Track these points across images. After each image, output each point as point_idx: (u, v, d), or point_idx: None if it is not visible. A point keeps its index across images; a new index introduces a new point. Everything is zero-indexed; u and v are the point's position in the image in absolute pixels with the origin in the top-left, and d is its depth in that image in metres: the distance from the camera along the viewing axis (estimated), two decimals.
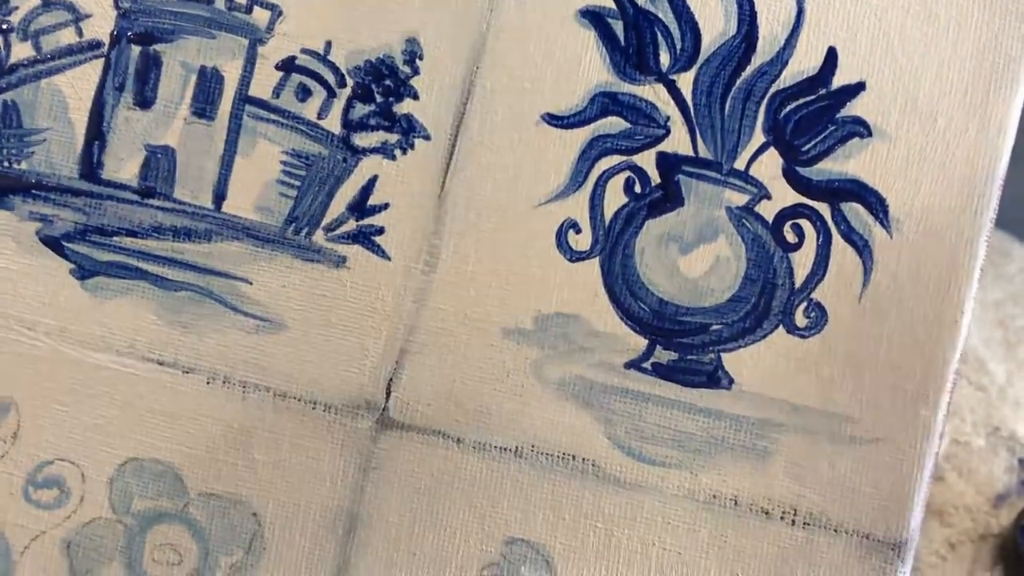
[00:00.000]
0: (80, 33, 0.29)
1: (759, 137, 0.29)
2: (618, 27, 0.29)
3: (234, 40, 0.29)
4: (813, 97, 0.29)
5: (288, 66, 0.29)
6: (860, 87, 0.29)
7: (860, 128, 0.29)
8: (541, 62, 0.29)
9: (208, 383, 0.29)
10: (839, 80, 0.29)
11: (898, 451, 0.29)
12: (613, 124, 0.29)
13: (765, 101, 0.29)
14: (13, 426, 0.29)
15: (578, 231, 0.29)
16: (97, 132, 0.29)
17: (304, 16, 0.29)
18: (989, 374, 0.43)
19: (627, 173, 0.29)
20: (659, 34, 0.29)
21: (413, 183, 0.29)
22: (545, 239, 0.29)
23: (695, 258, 0.29)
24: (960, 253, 0.29)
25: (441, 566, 0.29)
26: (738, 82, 0.29)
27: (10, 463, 0.29)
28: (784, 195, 0.29)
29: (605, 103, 0.29)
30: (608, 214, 0.29)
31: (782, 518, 0.29)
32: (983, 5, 0.29)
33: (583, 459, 0.29)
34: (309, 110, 0.29)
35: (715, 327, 0.29)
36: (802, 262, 0.29)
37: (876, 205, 0.29)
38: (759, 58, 0.29)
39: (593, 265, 0.29)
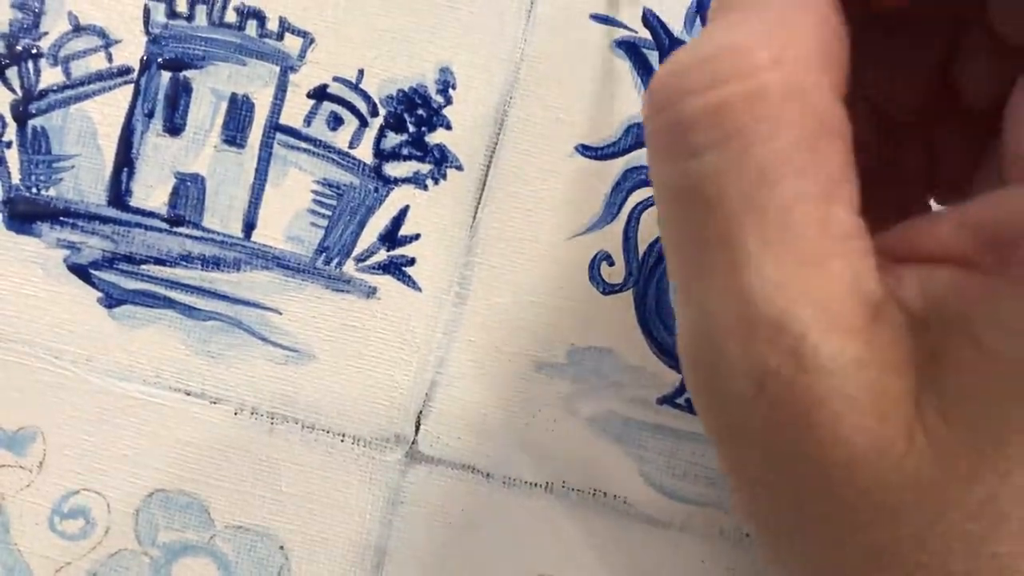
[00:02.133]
0: (110, 59, 0.29)
1: None
2: (653, 58, 0.29)
3: (265, 67, 0.29)
4: None
5: (320, 94, 0.29)
6: None
7: None
8: (575, 93, 0.29)
9: (236, 414, 0.29)
10: None
11: None
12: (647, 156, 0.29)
13: None
14: (39, 455, 0.29)
15: (611, 264, 0.29)
16: (126, 159, 0.29)
17: (336, 44, 0.29)
18: None
19: None
20: None
21: (445, 213, 0.29)
22: (578, 271, 0.29)
23: None
24: None
25: None
26: None
27: (35, 492, 0.29)
28: None
29: (639, 134, 0.29)
30: (642, 247, 0.29)
31: None
32: None
33: (615, 496, 0.29)
34: (341, 139, 0.29)
35: None
36: None
37: None
38: None
39: (627, 298, 0.29)
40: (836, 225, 0.17)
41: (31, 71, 0.29)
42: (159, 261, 0.29)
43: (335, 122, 0.29)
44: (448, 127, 0.29)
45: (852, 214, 0.17)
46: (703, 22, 0.29)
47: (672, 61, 0.18)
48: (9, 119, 0.29)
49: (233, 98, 0.29)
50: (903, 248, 0.18)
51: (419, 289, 0.29)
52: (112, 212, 0.29)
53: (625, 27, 0.29)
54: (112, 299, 0.29)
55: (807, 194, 0.17)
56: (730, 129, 0.17)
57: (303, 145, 0.29)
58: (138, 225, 0.29)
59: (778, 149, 0.17)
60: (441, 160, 0.29)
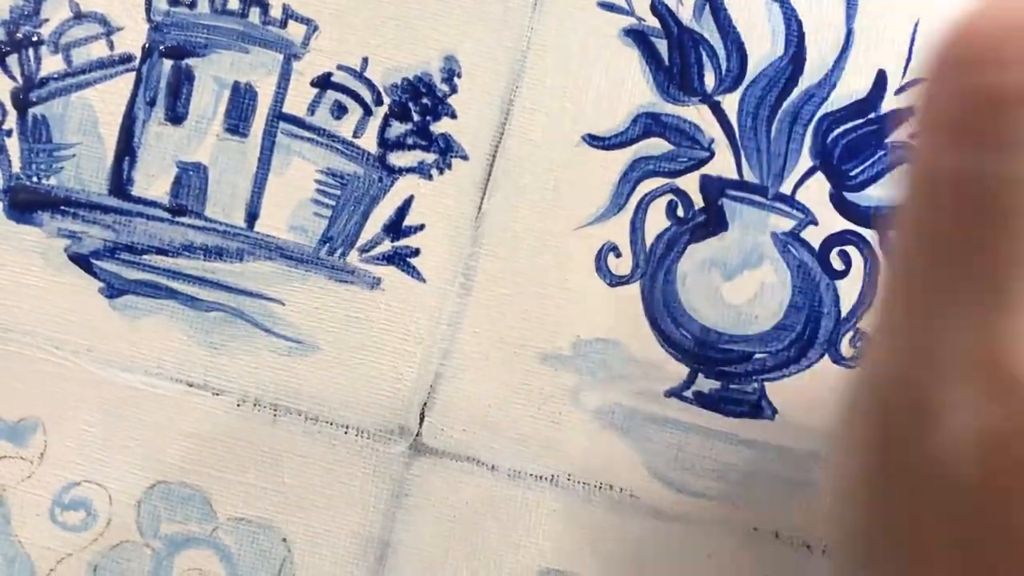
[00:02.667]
0: (111, 46, 0.29)
1: (806, 161, 0.28)
2: (662, 47, 0.28)
3: (268, 55, 0.29)
4: (862, 121, 0.28)
5: (324, 83, 0.29)
6: (910, 112, 0.28)
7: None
8: (582, 82, 0.28)
9: (238, 405, 0.29)
10: (888, 104, 0.28)
11: None
12: (656, 146, 0.28)
13: (812, 124, 0.28)
14: (40, 446, 0.29)
15: (618, 255, 0.29)
16: (127, 148, 0.29)
17: (340, 32, 0.29)
18: None
19: (669, 196, 0.28)
20: (704, 54, 0.28)
21: (450, 204, 0.29)
22: (584, 263, 0.29)
23: (739, 284, 0.28)
24: None
25: None
26: (785, 104, 0.28)
27: (36, 484, 0.29)
28: (831, 221, 0.28)
29: (648, 124, 0.28)
30: (649, 238, 0.29)
31: (824, 552, 0.28)
32: None
33: (620, 489, 0.29)
34: (344, 128, 0.29)
35: (759, 356, 0.28)
36: (848, 290, 0.28)
37: None
38: (806, 80, 0.28)
39: (634, 290, 0.29)
40: None
41: (32, 59, 0.29)
42: (161, 251, 0.29)
43: (339, 111, 0.29)
44: (453, 116, 0.29)
45: None
46: (713, 11, 0.28)
47: (986, 14, 0.14)
48: (10, 107, 0.29)
49: (236, 86, 0.29)
50: None
51: (423, 280, 0.29)
52: (113, 201, 0.29)
53: (634, 15, 0.28)
54: (113, 289, 0.29)
55: None
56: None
57: (306, 134, 0.29)
58: (140, 215, 0.29)
59: None
60: (446, 150, 0.29)
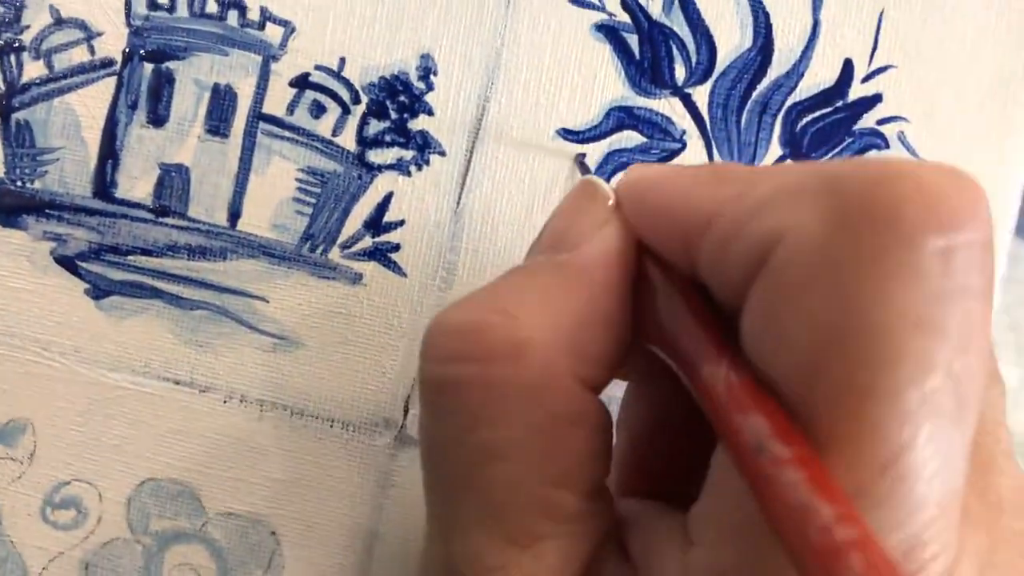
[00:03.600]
0: (92, 51, 0.29)
1: (776, 150, 0.29)
2: (633, 41, 0.29)
3: (247, 57, 0.29)
4: (830, 109, 0.29)
5: (302, 83, 0.29)
6: (877, 99, 0.29)
7: (877, 140, 0.29)
8: (556, 77, 0.29)
9: (225, 402, 0.29)
10: (855, 92, 0.29)
11: None
12: (629, 138, 0.29)
13: (781, 114, 0.29)
14: (29, 447, 0.29)
15: None
16: (110, 151, 0.29)
17: (317, 32, 0.29)
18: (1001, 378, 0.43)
19: None
20: (674, 48, 0.29)
21: (429, 199, 0.29)
22: None
23: None
24: None
25: None
26: (754, 95, 0.29)
27: (27, 484, 0.29)
28: None
29: (621, 117, 0.29)
30: None
31: None
32: (1001, 17, 0.29)
33: None
34: (323, 127, 0.29)
35: None
36: None
37: None
38: (775, 71, 0.29)
39: None
40: (557, 508, 0.18)
41: (13, 64, 0.29)
42: (145, 252, 0.29)
43: (318, 110, 0.29)
44: (430, 113, 0.29)
45: (582, 498, 0.18)
46: (682, 5, 0.29)
47: (439, 315, 0.19)
48: None
49: (216, 88, 0.29)
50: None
51: (404, 275, 0.29)
52: (98, 204, 0.29)
53: (605, 10, 0.29)
54: (99, 290, 0.29)
55: (528, 477, 0.18)
56: (461, 406, 0.18)
57: (286, 134, 0.29)
58: (124, 216, 0.29)
59: (504, 435, 0.17)
60: (424, 146, 0.29)
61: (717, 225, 0.18)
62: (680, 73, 0.29)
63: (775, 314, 0.16)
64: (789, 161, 0.29)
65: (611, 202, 0.20)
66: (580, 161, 0.28)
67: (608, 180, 0.29)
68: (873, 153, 0.29)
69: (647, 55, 0.29)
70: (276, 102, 0.29)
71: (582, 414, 0.18)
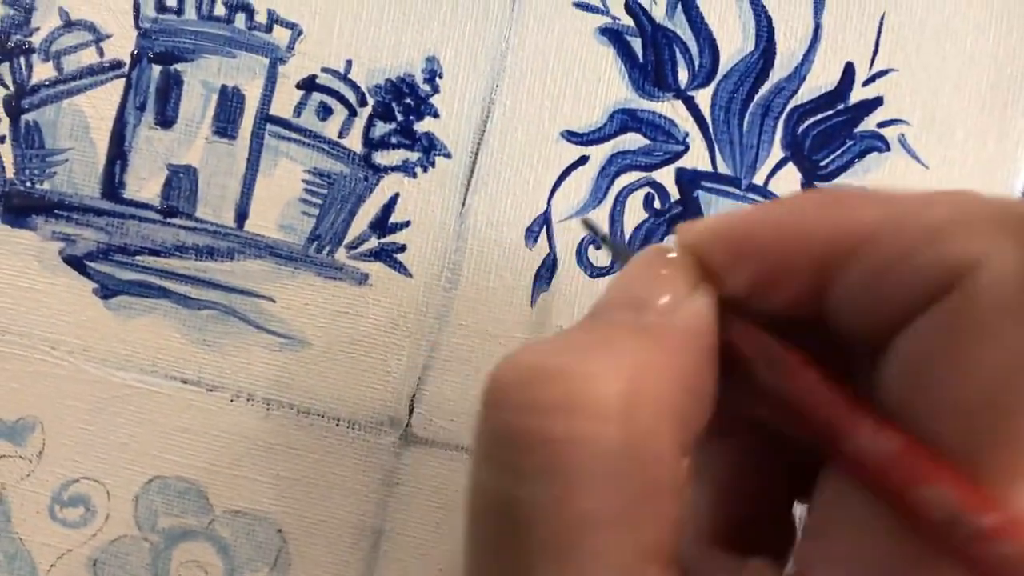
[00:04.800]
0: (101, 53, 0.30)
1: (778, 152, 0.29)
2: (636, 44, 0.29)
3: (255, 59, 0.30)
4: (831, 112, 0.29)
5: (309, 85, 0.29)
6: (878, 102, 0.29)
7: (878, 143, 0.29)
8: (560, 80, 0.29)
9: (232, 401, 0.30)
10: (857, 95, 0.29)
11: None
12: (632, 140, 0.29)
13: (783, 116, 0.29)
14: (38, 445, 0.30)
15: (598, 247, 0.29)
16: (119, 152, 0.30)
17: (324, 35, 0.29)
18: None
19: (646, 189, 0.29)
20: (677, 51, 0.29)
21: (434, 201, 0.30)
22: (566, 255, 0.29)
23: None
24: None
25: None
26: (756, 98, 0.29)
27: (35, 482, 0.30)
28: None
29: (624, 120, 0.29)
30: (628, 230, 0.29)
31: None
32: (1000, 20, 0.29)
33: None
34: (330, 129, 0.30)
35: None
36: None
37: None
38: (777, 74, 0.29)
39: None
40: None
41: (23, 66, 0.29)
42: (153, 252, 0.30)
43: (324, 112, 0.30)
44: (436, 115, 0.29)
45: (666, 570, 0.16)
46: (685, 9, 0.29)
47: (515, 359, 0.16)
48: (2, 114, 0.29)
49: (223, 90, 0.30)
50: None
51: (410, 275, 0.30)
52: (106, 204, 0.30)
53: (609, 14, 0.29)
54: (107, 290, 0.30)
55: (622, 554, 0.16)
56: (556, 468, 0.15)
57: (293, 135, 0.30)
58: (132, 217, 0.30)
59: (599, 505, 0.15)
60: (430, 148, 0.30)
61: (871, 252, 0.16)
62: (683, 76, 0.29)
63: (956, 352, 0.15)
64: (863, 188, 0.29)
65: (690, 256, 0.18)
66: (589, 224, 0.27)
67: (611, 183, 0.29)
68: (874, 156, 0.29)
69: (650, 58, 0.29)
70: (283, 104, 0.29)
71: (678, 482, 0.16)
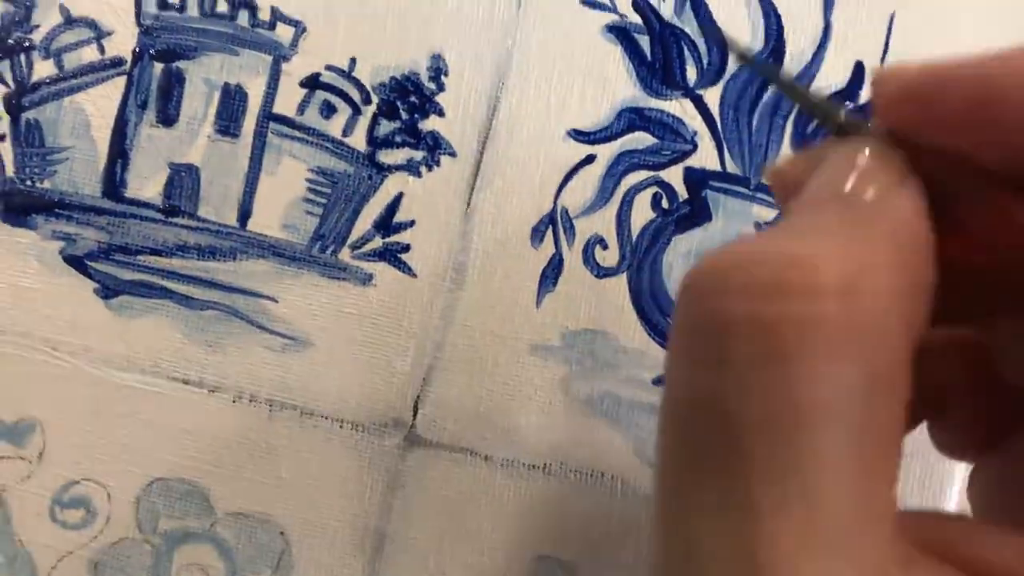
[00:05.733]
0: (102, 51, 0.29)
1: (787, 152, 0.29)
2: (644, 42, 0.29)
3: (257, 57, 0.29)
4: None
5: (312, 83, 0.29)
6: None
7: None
8: (567, 78, 0.29)
9: (234, 402, 0.29)
10: (866, 95, 0.29)
11: (927, 465, 0.29)
12: (640, 139, 0.29)
13: (792, 116, 0.29)
14: (39, 446, 0.29)
15: (605, 247, 0.29)
16: (120, 150, 0.29)
17: (328, 32, 0.29)
18: None
19: (654, 188, 0.29)
20: (686, 49, 0.29)
21: (439, 200, 0.29)
22: (572, 255, 0.29)
23: None
24: None
25: None
26: (765, 97, 0.29)
27: (36, 483, 0.29)
28: None
29: (632, 118, 0.29)
30: (635, 230, 0.29)
31: None
32: (1011, 20, 0.29)
33: (612, 476, 0.29)
34: (334, 127, 0.29)
35: None
36: None
37: None
38: (786, 72, 0.29)
39: (620, 281, 0.29)
40: (874, 505, 0.14)
41: (23, 64, 0.29)
42: (155, 251, 0.29)
43: (328, 110, 0.29)
44: (441, 114, 0.29)
45: (891, 489, 0.15)
46: (693, 7, 0.29)
47: (722, 251, 0.15)
48: (2, 112, 0.29)
49: (226, 88, 0.29)
50: (946, 548, 0.15)
51: (414, 275, 0.29)
52: (107, 203, 0.29)
53: (616, 12, 0.29)
54: (109, 290, 0.29)
55: (847, 461, 0.14)
56: (775, 352, 0.14)
57: (297, 134, 0.29)
58: (133, 216, 0.29)
59: (824, 396, 0.14)
60: (434, 147, 0.29)
61: None
62: (691, 74, 0.29)
63: None
64: None
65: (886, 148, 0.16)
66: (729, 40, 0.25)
67: (618, 182, 0.29)
68: None
69: (658, 56, 0.29)
70: (286, 102, 0.29)
71: (904, 374, 0.15)
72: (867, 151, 0.16)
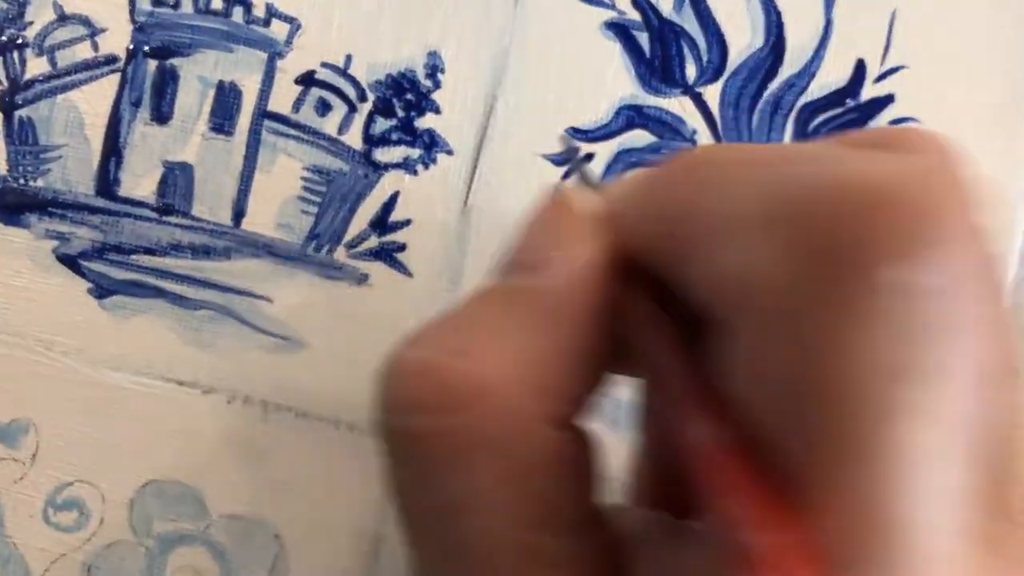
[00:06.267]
0: (96, 48, 0.29)
1: None
2: (643, 39, 0.29)
3: (252, 54, 0.29)
4: (841, 110, 0.29)
5: (308, 80, 0.29)
6: (889, 99, 0.29)
7: None
8: (565, 75, 0.29)
9: (228, 403, 0.29)
10: (868, 93, 0.29)
11: None
12: (639, 137, 0.29)
13: (793, 114, 0.29)
14: (32, 447, 0.29)
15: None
16: (113, 148, 0.29)
17: (323, 29, 0.29)
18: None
19: None
20: (685, 46, 0.29)
21: (435, 199, 0.29)
22: None
23: None
24: None
25: None
26: (765, 94, 0.29)
27: (29, 485, 0.29)
28: None
29: (631, 116, 0.29)
30: None
31: None
32: (1014, 21, 0.28)
33: (609, 479, 0.29)
34: (329, 125, 0.29)
35: None
36: None
37: None
38: (787, 70, 0.29)
39: None
40: (540, 553, 0.16)
41: (16, 61, 0.29)
42: (148, 251, 0.29)
43: (323, 108, 0.29)
44: (437, 112, 0.29)
45: (568, 536, 0.17)
46: (693, 3, 0.29)
47: (407, 346, 0.18)
48: None
49: (220, 85, 0.29)
50: None
51: (410, 275, 0.29)
52: (101, 202, 0.29)
53: (615, 8, 0.29)
54: (102, 289, 0.29)
55: (504, 526, 0.16)
56: (424, 460, 0.17)
57: (292, 132, 0.29)
58: (127, 215, 0.29)
59: (471, 487, 0.16)
60: (431, 145, 0.29)
61: (698, 240, 0.16)
62: (691, 72, 0.29)
63: (751, 355, 0.15)
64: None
65: (585, 210, 0.19)
66: (574, 157, 0.27)
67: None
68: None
69: (657, 54, 0.29)
70: (281, 100, 0.29)
71: (554, 454, 0.17)
72: (568, 206, 0.19)
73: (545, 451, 0.17)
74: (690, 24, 0.28)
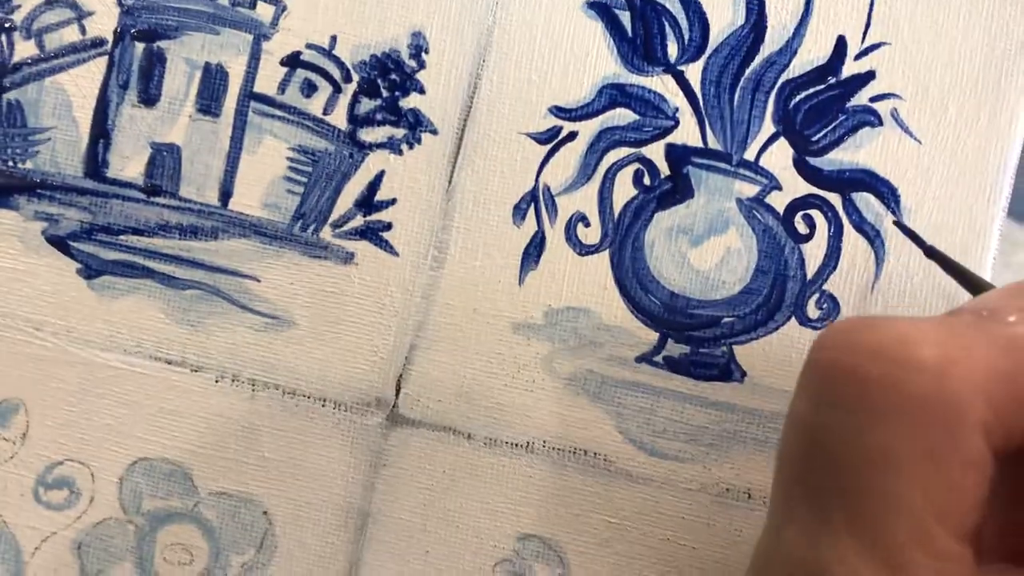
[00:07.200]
0: (83, 31, 0.29)
1: (769, 127, 0.29)
2: (625, 18, 0.29)
3: (238, 36, 0.29)
4: (823, 87, 0.29)
5: (293, 62, 0.29)
6: (870, 76, 0.29)
7: (870, 117, 0.29)
8: (548, 55, 0.29)
9: (217, 381, 0.29)
10: (849, 69, 0.29)
11: None
12: (621, 116, 0.29)
13: (775, 91, 0.29)
14: (22, 427, 0.29)
15: (587, 224, 0.29)
16: (102, 130, 0.29)
17: (308, 11, 0.29)
18: None
19: (636, 165, 0.29)
20: (667, 25, 0.29)
21: (420, 178, 0.29)
22: (554, 233, 0.29)
23: (705, 250, 0.29)
24: (972, 243, 0.29)
25: (454, 563, 0.29)
26: (747, 72, 0.29)
27: (19, 464, 0.29)
28: (795, 186, 0.29)
29: (613, 95, 0.29)
30: (617, 207, 0.29)
31: None
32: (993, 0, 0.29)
33: (595, 454, 0.29)
34: (315, 106, 0.29)
35: (727, 320, 0.29)
36: (813, 253, 0.29)
37: (887, 195, 0.29)
38: (768, 48, 0.29)
39: (603, 258, 0.29)
40: (933, 543, 0.17)
41: (4, 44, 0.29)
42: (137, 231, 0.29)
43: (309, 89, 0.29)
44: (422, 91, 0.29)
45: (957, 541, 0.17)
46: None
47: (859, 317, 0.20)
48: None
49: (207, 67, 0.29)
50: None
51: (396, 254, 0.29)
52: (89, 183, 0.29)
53: None
54: (91, 270, 0.29)
55: (915, 500, 0.17)
56: (872, 405, 0.18)
57: (278, 113, 0.29)
58: (115, 196, 0.29)
59: (905, 446, 0.17)
60: (415, 124, 0.29)
61: None
62: (673, 50, 0.29)
63: None
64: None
65: None
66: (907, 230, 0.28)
67: (600, 159, 0.29)
68: (867, 130, 0.29)
69: (639, 32, 0.29)
70: (267, 81, 0.29)
71: (980, 458, 0.18)
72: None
73: (975, 449, 0.18)
74: (671, 3, 0.29)
